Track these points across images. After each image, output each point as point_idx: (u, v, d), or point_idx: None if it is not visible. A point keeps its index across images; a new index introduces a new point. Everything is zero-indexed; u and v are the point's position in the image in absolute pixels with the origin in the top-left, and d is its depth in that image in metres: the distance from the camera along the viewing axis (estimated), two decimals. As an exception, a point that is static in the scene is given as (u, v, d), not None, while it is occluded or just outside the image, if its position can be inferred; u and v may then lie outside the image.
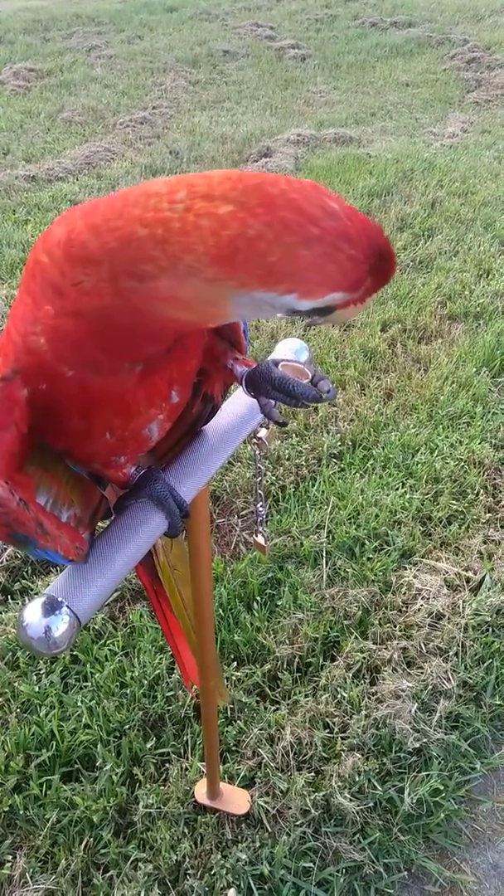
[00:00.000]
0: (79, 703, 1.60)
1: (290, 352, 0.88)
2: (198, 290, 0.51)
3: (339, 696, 1.63)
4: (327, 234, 0.49)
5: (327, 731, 1.57)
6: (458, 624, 1.79)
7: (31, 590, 1.88)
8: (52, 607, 0.63)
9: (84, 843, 1.39)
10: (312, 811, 1.44)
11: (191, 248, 0.49)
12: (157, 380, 0.65)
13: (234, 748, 1.55)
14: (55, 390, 0.60)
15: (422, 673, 1.68)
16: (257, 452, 0.95)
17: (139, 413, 0.67)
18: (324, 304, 0.52)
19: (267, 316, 0.56)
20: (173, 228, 0.49)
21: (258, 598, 1.84)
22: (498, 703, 1.66)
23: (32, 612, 0.62)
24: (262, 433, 0.94)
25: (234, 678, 1.67)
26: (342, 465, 2.30)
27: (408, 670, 1.70)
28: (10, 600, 1.87)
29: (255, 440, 0.94)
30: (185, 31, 8.74)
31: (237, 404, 0.87)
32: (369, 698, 1.63)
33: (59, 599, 0.64)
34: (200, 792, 1.45)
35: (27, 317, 0.58)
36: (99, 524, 0.77)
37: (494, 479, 2.29)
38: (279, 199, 0.49)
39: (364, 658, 1.70)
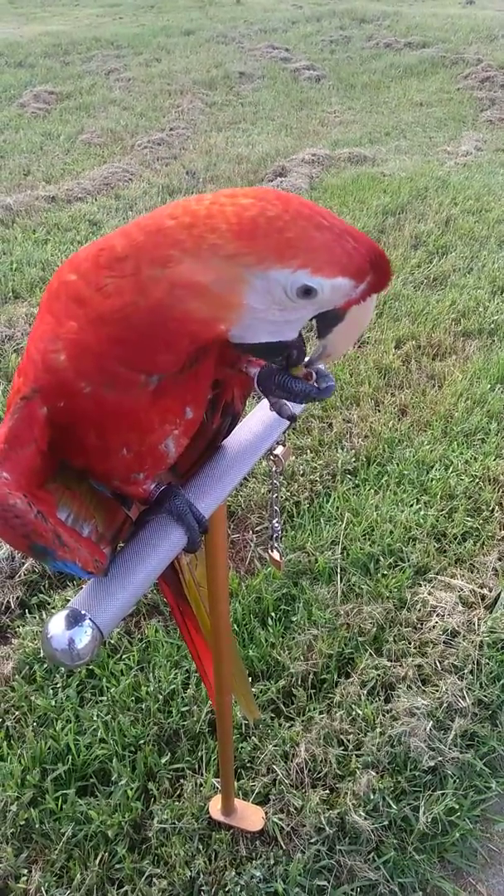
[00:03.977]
0: (94, 718, 1.61)
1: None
2: (217, 271, 0.55)
3: (353, 713, 1.63)
4: (334, 226, 0.57)
5: (342, 748, 1.57)
6: (473, 641, 1.78)
7: (49, 604, 1.91)
8: (75, 620, 0.64)
9: (99, 857, 1.40)
10: (327, 829, 1.43)
11: (215, 228, 0.55)
12: (170, 402, 0.67)
13: (248, 764, 1.55)
14: (72, 407, 0.62)
15: (437, 690, 1.67)
16: (273, 469, 0.97)
17: (154, 429, 0.68)
18: (332, 288, 0.57)
19: (277, 311, 0.59)
20: (199, 214, 0.55)
21: (273, 614, 1.85)
22: (514, 722, 1.65)
23: (56, 625, 0.64)
24: (279, 450, 0.96)
25: (248, 694, 1.67)
26: (356, 482, 2.31)
27: (423, 688, 1.69)
28: (27, 614, 1.89)
29: (271, 457, 0.95)
30: (201, 53, 8.91)
31: (255, 421, 0.89)
32: (384, 716, 1.62)
33: (83, 612, 0.65)
34: (215, 808, 1.45)
35: (47, 335, 0.61)
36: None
37: (510, 496, 2.29)
38: (292, 197, 0.57)
39: (379, 675, 1.70)
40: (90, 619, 0.65)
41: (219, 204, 0.56)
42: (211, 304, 0.57)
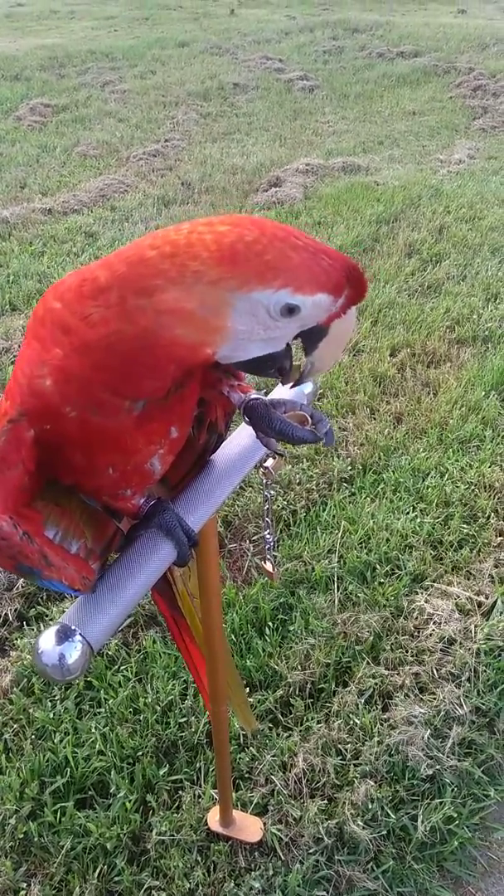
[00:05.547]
0: (93, 730, 1.61)
1: (291, 392, 0.89)
2: (202, 297, 0.57)
3: (351, 722, 1.63)
4: (309, 246, 0.60)
5: (340, 757, 1.57)
6: (470, 649, 1.78)
7: (46, 616, 1.91)
8: (65, 635, 0.65)
9: (98, 870, 1.40)
10: (325, 839, 1.43)
11: (196, 255, 0.57)
12: (156, 425, 0.68)
13: (246, 775, 1.55)
14: (59, 430, 0.64)
15: (434, 699, 1.68)
16: (265, 481, 0.97)
17: (139, 450, 0.70)
18: (313, 305, 0.60)
19: (262, 330, 0.61)
20: (179, 244, 0.57)
21: (270, 624, 1.85)
22: (512, 729, 1.65)
23: (47, 640, 0.65)
24: (270, 462, 0.96)
25: (246, 704, 1.67)
26: (353, 490, 2.32)
27: (420, 696, 1.69)
28: (25, 626, 1.89)
29: (262, 469, 0.96)
30: (196, 65, 8.98)
31: (243, 435, 0.90)
32: (382, 724, 1.63)
33: (73, 627, 0.66)
34: (213, 819, 1.45)
35: (34, 360, 0.63)
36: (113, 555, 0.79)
37: (505, 502, 2.29)
38: (266, 221, 0.60)
39: (376, 684, 1.70)
40: (80, 634, 0.65)
41: (197, 232, 0.57)
42: (197, 329, 0.59)
